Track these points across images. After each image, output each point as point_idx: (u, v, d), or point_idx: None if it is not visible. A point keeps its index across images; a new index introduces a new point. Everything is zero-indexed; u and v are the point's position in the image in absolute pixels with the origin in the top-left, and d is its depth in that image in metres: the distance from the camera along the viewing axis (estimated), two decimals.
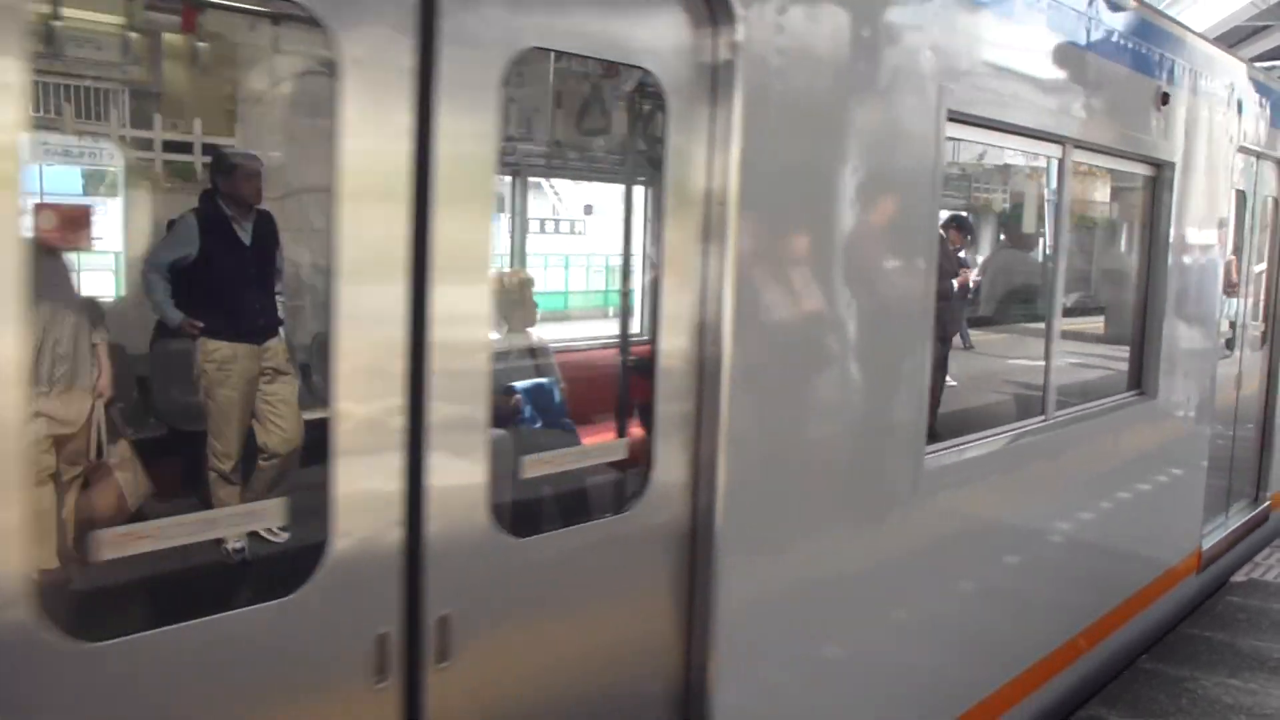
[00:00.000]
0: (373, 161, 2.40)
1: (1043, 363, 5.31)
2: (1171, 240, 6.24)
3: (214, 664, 2.26)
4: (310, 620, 2.38)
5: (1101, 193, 7.05)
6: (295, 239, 5.05)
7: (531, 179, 7.71)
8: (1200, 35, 6.90)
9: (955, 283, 6.66)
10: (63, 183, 6.14)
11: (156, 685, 2.18)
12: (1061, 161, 5.19)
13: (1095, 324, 7.27)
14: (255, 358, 4.65)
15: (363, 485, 2.43)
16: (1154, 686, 6.06)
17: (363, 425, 2.42)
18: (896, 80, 3.81)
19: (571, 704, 2.96)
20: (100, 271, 6.12)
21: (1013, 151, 5.75)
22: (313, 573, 2.37)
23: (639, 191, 4.57)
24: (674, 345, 3.10)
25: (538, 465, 2.95)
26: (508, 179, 7.18)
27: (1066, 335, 5.49)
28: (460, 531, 2.61)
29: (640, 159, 4.49)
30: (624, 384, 4.00)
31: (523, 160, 6.36)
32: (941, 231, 7.00)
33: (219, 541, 3.72)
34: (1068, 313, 5.53)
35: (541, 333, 5.45)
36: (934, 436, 4.30)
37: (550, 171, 6.86)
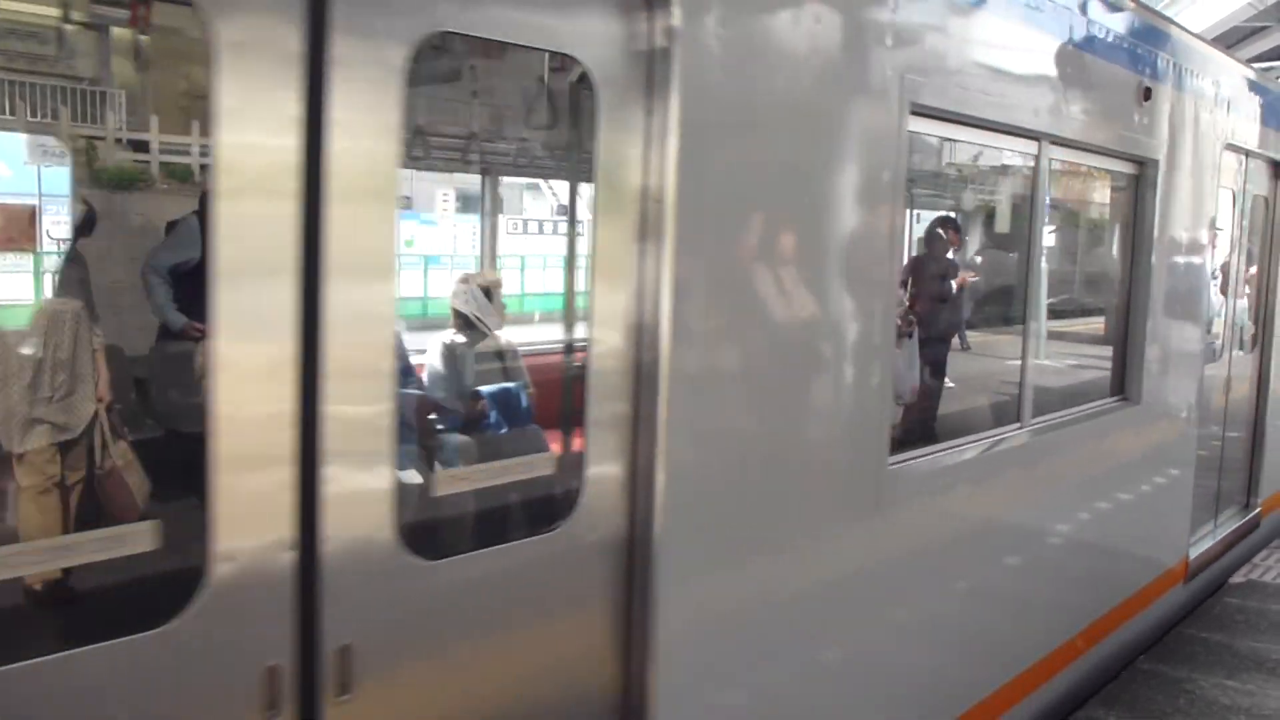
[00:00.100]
0: (255, 156, 2.21)
1: (1019, 366, 5.12)
2: (1156, 240, 6.05)
3: (76, 703, 2.07)
4: (187, 652, 2.19)
5: (1083, 191, 6.88)
6: None
7: (503, 179, 7.46)
8: (1185, 29, 6.70)
9: (954, 284, 6.49)
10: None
11: None
12: (1037, 158, 5.00)
13: (1079, 326, 7.10)
14: None
15: (246, 503, 2.25)
16: (1152, 687, 6.02)
17: (246, 435, 2.23)
18: (853, 70, 3.62)
19: None
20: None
21: (991, 149, 5.55)
22: (190, 599, 2.18)
23: (566, 189, 4.36)
24: (608, 349, 2.93)
25: (452, 481, 2.76)
26: (476, 177, 6.97)
27: (1052, 337, 5.31)
28: (362, 553, 2.43)
29: (572, 156, 4.27)
30: (567, 391, 3.80)
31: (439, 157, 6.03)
32: (940, 232, 6.87)
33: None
34: (1054, 315, 5.35)
35: (510, 336, 5.27)
36: (931, 439, 4.13)
37: (493, 170, 6.57)
